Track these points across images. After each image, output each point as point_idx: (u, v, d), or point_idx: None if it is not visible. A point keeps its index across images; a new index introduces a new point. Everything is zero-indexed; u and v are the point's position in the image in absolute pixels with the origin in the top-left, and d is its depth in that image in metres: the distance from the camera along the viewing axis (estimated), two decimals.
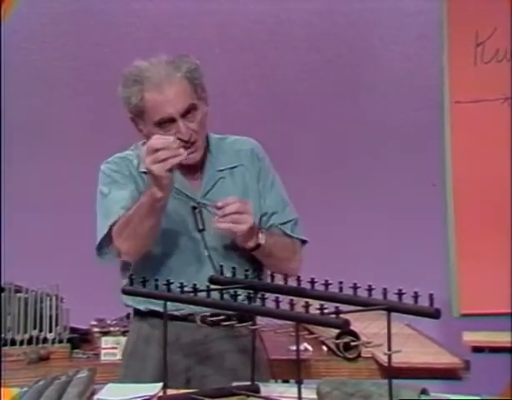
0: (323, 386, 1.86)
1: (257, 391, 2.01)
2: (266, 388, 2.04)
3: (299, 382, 1.81)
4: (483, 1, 3.40)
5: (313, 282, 1.84)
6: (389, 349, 1.69)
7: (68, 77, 4.22)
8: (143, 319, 2.34)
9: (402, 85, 4.12)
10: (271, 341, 2.41)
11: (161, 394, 1.97)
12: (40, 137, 4.18)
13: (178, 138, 2.21)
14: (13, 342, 3.01)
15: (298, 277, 1.91)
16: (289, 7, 4.18)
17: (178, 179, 2.19)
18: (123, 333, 2.98)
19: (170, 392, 1.98)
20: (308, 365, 2.85)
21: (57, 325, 3.06)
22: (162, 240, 2.24)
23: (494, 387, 2.56)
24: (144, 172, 2.24)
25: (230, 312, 2.05)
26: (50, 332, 3.05)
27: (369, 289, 1.75)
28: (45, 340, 3.04)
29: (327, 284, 1.82)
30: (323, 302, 1.64)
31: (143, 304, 2.29)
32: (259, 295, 1.86)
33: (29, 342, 3.02)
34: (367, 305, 1.75)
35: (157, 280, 1.97)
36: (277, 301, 1.74)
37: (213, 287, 2.01)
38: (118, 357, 2.90)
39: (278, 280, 2.04)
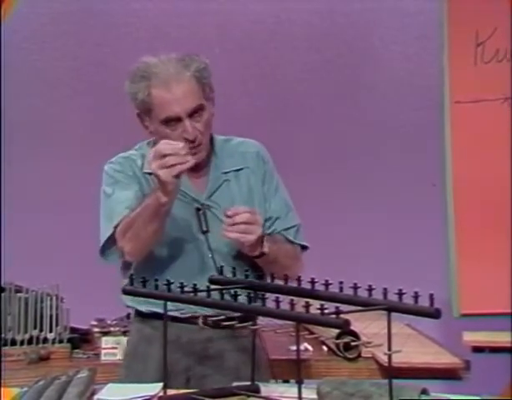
0: (323, 386, 1.86)
1: (257, 391, 2.01)
2: (266, 388, 2.04)
3: (299, 382, 1.81)
4: (483, 1, 3.40)
5: (313, 282, 1.84)
6: (390, 349, 1.69)
7: (68, 77, 4.21)
8: (145, 320, 2.34)
9: (402, 85, 4.12)
10: (271, 341, 2.41)
11: (161, 394, 1.97)
12: (40, 137, 4.18)
13: (184, 138, 2.21)
14: (13, 342, 3.01)
15: (299, 277, 1.91)
16: (289, 7, 4.18)
17: (182, 180, 2.18)
18: (124, 333, 2.99)
19: (170, 392, 1.98)
20: (308, 365, 2.85)
21: (57, 325, 3.06)
22: (165, 241, 2.24)
23: (494, 387, 2.56)
24: (149, 173, 2.24)
25: (233, 314, 2.04)
26: (50, 332, 3.05)
27: (369, 289, 1.75)
28: (45, 340, 3.04)
29: (327, 284, 1.82)
30: (323, 302, 1.64)
31: (145, 306, 2.28)
32: (259, 295, 1.86)
33: (29, 342, 3.02)
34: (367, 305, 1.75)
35: (157, 280, 1.97)
36: (277, 301, 1.74)
37: (213, 287, 2.01)
38: (119, 357, 2.90)
39: (279, 280, 2.05)
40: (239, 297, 1.87)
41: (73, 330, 3.12)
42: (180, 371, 2.28)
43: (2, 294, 3.05)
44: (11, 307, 3.05)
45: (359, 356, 2.86)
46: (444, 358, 2.84)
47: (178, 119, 2.22)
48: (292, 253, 2.35)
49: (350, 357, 2.86)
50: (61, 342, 3.04)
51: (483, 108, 3.36)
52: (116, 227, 2.22)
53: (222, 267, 2.15)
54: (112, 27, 4.20)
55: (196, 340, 2.30)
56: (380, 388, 1.78)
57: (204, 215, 2.28)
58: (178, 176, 2.07)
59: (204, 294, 1.92)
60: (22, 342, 3.02)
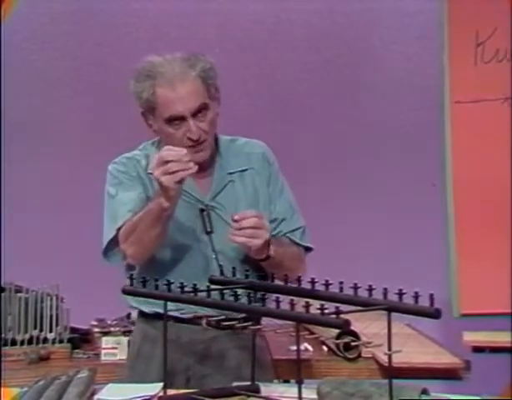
0: (323, 386, 1.86)
1: (257, 391, 2.01)
2: (266, 388, 2.04)
3: (300, 382, 1.81)
4: (483, 1, 3.40)
5: (313, 282, 1.84)
6: (390, 349, 1.69)
7: (68, 77, 4.21)
8: (148, 321, 2.34)
9: (402, 85, 4.12)
10: (271, 341, 2.41)
11: (161, 394, 1.97)
12: (40, 137, 4.18)
13: (188, 137, 2.21)
14: (14, 342, 3.01)
15: (299, 277, 1.91)
16: (289, 7, 4.18)
17: (186, 181, 2.17)
18: (124, 333, 2.99)
19: (171, 391, 1.98)
20: (308, 365, 2.85)
21: (57, 325, 3.06)
22: (169, 241, 2.24)
23: (494, 387, 2.56)
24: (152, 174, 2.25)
25: (236, 314, 2.04)
26: (50, 332, 3.05)
27: (370, 289, 1.75)
28: (45, 340, 3.04)
29: (327, 284, 1.82)
30: (323, 302, 1.64)
31: (148, 306, 2.28)
32: (260, 295, 1.85)
33: (29, 342, 3.02)
34: (367, 305, 1.75)
35: (157, 280, 1.97)
36: (277, 301, 1.74)
37: (213, 287, 2.01)
38: (119, 357, 2.91)
39: (279, 280, 2.05)
40: (241, 298, 1.87)
41: (73, 330, 3.12)
42: (183, 371, 2.28)
43: (2, 294, 3.05)
44: (11, 307, 3.04)
45: (359, 356, 2.86)
46: (444, 358, 2.84)
47: (182, 118, 2.21)
48: (297, 255, 2.35)
49: (350, 357, 2.86)
50: (61, 342, 3.04)
51: (483, 108, 3.36)
52: (119, 230, 2.22)
53: (222, 266, 2.15)
54: (112, 27, 4.20)
55: (199, 340, 2.30)
56: (380, 388, 1.78)
57: (208, 216, 2.27)
58: (180, 182, 2.08)
59: (204, 294, 1.92)
60: (22, 342, 3.02)
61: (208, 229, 2.27)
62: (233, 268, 2.12)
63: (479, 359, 2.98)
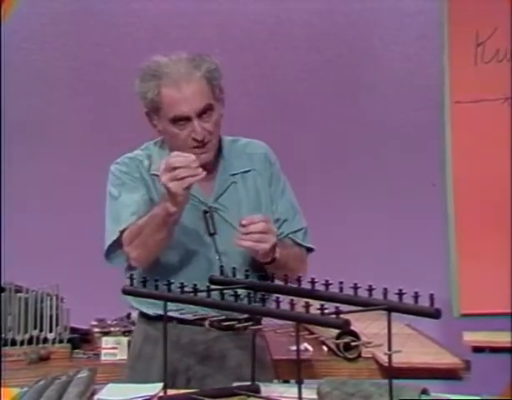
0: (323, 386, 1.86)
1: (257, 391, 2.01)
2: (266, 388, 2.04)
3: (300, 382, 1.81)
4: (483, 1, 3.40)
5: (313, 282, 1.84)
6: (390, 349, 1.69)
7: (68, 77, 4.21)
8: (150, 322, 2.33)
9: (402, 85, 4.12)
10: (271, 341, 2.41)
11: (161, 394, 1.97)
12: (40, 137, 4.18)
13: (193, 138, 2.21)
14: (14, 342, 3.01)
15: (299, 277, 1.91)
16: (289, 7, 4.18)
17: None
18: (124, 333, 2.99)
19: (172, 391, 1.98)
20: (308, 365, 2.85)
21: (57, 325, 3.06)
22: (172, 243, 2.23)
23: (494, 387, 2.56)
24: (156, 175, 2.24)
25: (238, 315, 2.04)
26: (50, 332, 3.05)
27: (370, 289, 1.75)
28: (45, 340, 3.04)
29: (327, 284, 1.82)
30: (323, 302, 1.64)
31: (151, 308, 2.27)
32: (260, 295, 1.86)
33: (29, 342, 3.02)
34: (367, 305, 1.75)
35: (157, 280, 1.97)
36: (277, 301, 1.74)
37: (213, 287, 2.01)
38: (119, 357, 2.91)
39: (279, 280, 2.05)
40: (242, 298, 1.87)
41: (73, 330, 3.12)
42: (184, 371, 2.28)
43: (2, 294, 3.05)
44: (11, 307, 3.05)
45: (359, 356, 2.86)
46: (444, 358, 2.84)
47: (187, 119, 2.21)
48: (299, 256, 2.35)
49: (350, 357, 2.86)
50: (61, 342, 3.04)
51: (483, 108, 3.36)
52: (122, 232, 2.22)
53: (222, 266, 2.15)
54: (112, 27, 4.20)
55: (199, 340, 2.30)
56: (380, 388, 1.78)
57: (211, 217, 2.27)
58: (188, 188, 2.08)
59: (205, 294, 1.92)
60: (22, 342, 3.02)
61: (212, 231, 2.27)
62: (233, 268, 2.12)
63: (479, 359, 2.97)
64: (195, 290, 1.92)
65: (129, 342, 2.86)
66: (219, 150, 2.34)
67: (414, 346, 2.95)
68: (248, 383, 2.05)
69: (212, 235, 2.27)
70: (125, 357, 2.71)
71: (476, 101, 3.37)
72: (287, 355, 2.71)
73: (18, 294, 3.07)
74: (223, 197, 2.31)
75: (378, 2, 4.14)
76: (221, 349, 2.30)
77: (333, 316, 1.62)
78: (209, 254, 2.28)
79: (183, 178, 2.05)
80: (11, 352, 2.97)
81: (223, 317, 2.05)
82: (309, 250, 2.39)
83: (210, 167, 2.29)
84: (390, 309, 1.71)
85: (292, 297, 1.74)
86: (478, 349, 3.14)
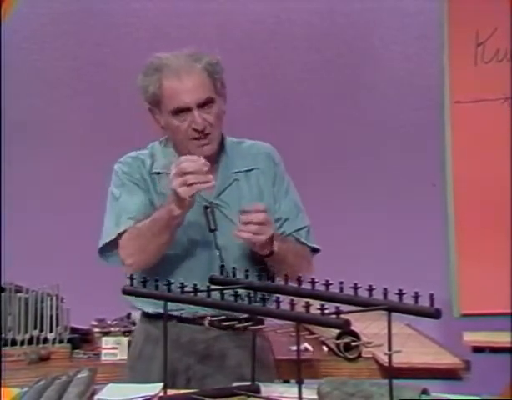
0: (323, 386, 1.86)
1: (257, 391, 2.01)
2: (266, 388, 2.04)
3: (300, 382, 1.81)
4: (483, 1, 3.40)
5: (313, 282, 1.84)
6: (390, 349, 1.69)
7: (68, 77, 4.21)
8: (151, 321, 2.33)
9: (402, 85, 4.12)
10: (271, 341, 2.41)
11: (161, 394, 1.97)
12: (40, 137, 4.18)
13: (193, 128, 2.21)
14: (14, 342, 3.01)
15: (299, 277, 1.91)
16: (289, 7, 4.18)
17: None
18: (124, 333, 2.99)
19: (172, 391, 1.98)
20: (308, 365, 2.85)
21: (57, 325, 3.06)
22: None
23: (494, 387, 2.56)
24: (157, 173, 2.27)
25: (238, 314, 2.04)
26: (50, 332, 3.05)
27: (370, 289, 1.75)
28: (45, 340, 3.04)
29: (327, 284, 1.82)
30: (323, 302, 1.64)
31: (152, 307, 2.27)
32: (260, 295, 1.86)
33: (29, 342, 3.02)
34: (367, 305, 1.75)
35: (157, 280, 1.97)
36: (277, 301, 1.74)
37: (213, 287, 2.01)
38: (119, 357, 2.91)
39: (279, 280, 2.05)
40: (242, 298, 1.87)
41: (73, 330, 3.12)
42: (184, 371, 2.28)
43: (2, 294, 3.05)
44: (11, 307, 3.04)
45: (360, 356, 2.86)
46: (444, 358, 2.84)
47: (188, 110, 2.22)
48: (301, 253, 2.35)
49: (350, 357, 2.86)
50: (61, 342, 3.04)
51: (483, 108, 3.36)
52: (120, 235, 2.23)
53: (222, 266, 2.16)
54: (112, 27, 4.20)
55: (200, 339, 2.30)
56: (381, 388, 1.78)
57: (212, 213, 2.28)
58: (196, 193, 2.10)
59: (205, 294, 1.91)
60: (22, 342, 3.02)
61: (212, 227, 2.27)
62: (234, 268, 2.12)
63: (479, 359, 2.97)
64: (195, 290, 1.92)
65: (129, 342, 2.86)
66: (222, 147, 2.35)
67: (414, 346, 2.95)
68: (249, 383, 2.05)
69: (212, 231, 2.27)
70: (125, 357, 2.71)
71: (476, 101, 3.37)
72: (287, 355, 2.71)
73: (18, 294, 3.07)
74: (224, 194, 2.31)
75: (378, 2, 4.14)
76: (221, 348, 2.30)
77: (334, 316, 1.62)
78: (210, 249, 2.28)
79: (192, 184, 2.06)
80: (11, 352, 2.97)
81: (223, 317, 2.05)
82: (315, 251, 2.40)
83: (212, 164, 2.28)
84: (390, 309, 1.70)
85: (292, 297, 1.74)
86: (478, 349, 3.14)
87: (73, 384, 2.07)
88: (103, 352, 2.96)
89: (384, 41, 4.18)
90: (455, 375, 2.78)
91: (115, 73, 3.99)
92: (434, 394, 1.88)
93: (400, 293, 1.69)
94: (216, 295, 1.90)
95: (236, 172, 2.34)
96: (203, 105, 2.23)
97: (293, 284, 1.93)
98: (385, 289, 1.71)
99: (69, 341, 3.06)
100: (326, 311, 1.62)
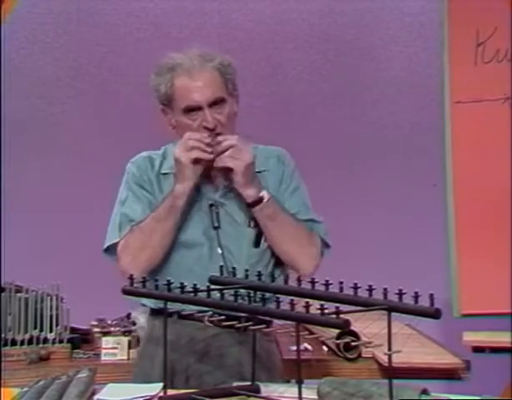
0: (323, 386, 1.86)
1: (257, 391, 2.01)
2: (266, 388, 2.03)
3: (299, 382, 1.81)
4: (483, 1, 3.40)
5: (313, 282, 1.84)
6: (390, 349, 1.68)
7: (69, 77, 4.22)
8: (157, 317, 2.33)
9: (402, 85, 4.12)
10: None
11: (161, 394, 1.96)
12: (40, 137, 4.18)
13: (204, 127, 2.23)
14: (14, 342, 3.01)
15: (299, 277, 1.91)
16: (290, 7, 4.18)
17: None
18: (124, 333, 2.98)
19: (172, 391, 1.98)
20: (308, 365, 2.85)
21: (57, 325, 3.05)
22: (176, 236, 2.26)
23: (494, 387, 2.56)
24: (164, 174, 2.29)
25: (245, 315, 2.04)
26: (50, 332, 3.04)
27: (370, 289, 1.75)
28: (45, 340, 3.03)
29: (327, 284, 1.82)
30: (323, 302, 1.64)
31: (154, 302, 2.28)
32: (260, 295, 1.86)
33: (29, 342, 3.02)
34: (367, 305, 1.74)
35: (157, 280, 1.97)
36: (277, 301, 1.74)
37: (213, 287, 2.01)
38: (119, 357, 2.91)
39: (279, 281, 2.05)
40: (242, 298, 1.87)
41: (73, 330, 3.12)
42: (184, 369, 2.28)
43: (2, 294, 3.05)
44: (11, 307, 3.04)
45: (360, 356, 2.86)
46: (444, 358, 2.83)
47: (199, 108, 2.24)
48: (304, 234, 2.31)
49: (350, 357, 2.86)
50: (61, 342, 3.04)
51: (483, 108, 3.36)
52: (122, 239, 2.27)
53: (222, 266, 2.16)
54: (113, 27, 4.20)
55: (199, 338, 2.30)
56: (381, 388, 1.78)
57: (217, 212, 2.28)
58: (196, 162, 2.15)
59: (205, 294, 1.91)
60: (22, 342, 3.01)
61: (216, 224, 2.28)
62: (233, 268, 2.12)
63: (479, 359, 2.97)
64: (195, 290, 1.91)
65: (129, 342, 2.87)
66: None
67: (414, 346, 2.95)
68: (248, 383, 2.05)
69: (216, 229, 2.28)
70: (125, 357, 2.71)
71: (476, 101, 3.37)
72: (287, 355, 2.70)
73: (18, 294, 3.06)
74: (230, 193, 2.31)
75: (378, 2, 4.14)
76: (220, 346, 2.30)
77: (334, 316, 1.62)
78: (212, 248, 2.29)
79: (192, 148, 2.14)
80: (11, 352, 2.96)
81: (223, 317, 2.05)
82: (326, 245, 2.38)
83: None
84: (390, 309, 1.70)
85: (292, 297, 1.74)
86: (478, 349, 3.14)
87: (73, 384, 2.07)
88: (103, 352, 2.96)
89: (384, 41, 4.18)
90: (455, 375, 2.77)
91: (115, 73, 3.98)
92: (434, 394, 1.88)
93: (400, 293, 1.69)
94: (216, 295, 1.90)
95: None
96: (214, 104, 2.25)
97: (292, 284, 1.93)
98: (385, 289, 1.71)
99: (69, 341, 3.05)
100: (326, 311, 1.62)
